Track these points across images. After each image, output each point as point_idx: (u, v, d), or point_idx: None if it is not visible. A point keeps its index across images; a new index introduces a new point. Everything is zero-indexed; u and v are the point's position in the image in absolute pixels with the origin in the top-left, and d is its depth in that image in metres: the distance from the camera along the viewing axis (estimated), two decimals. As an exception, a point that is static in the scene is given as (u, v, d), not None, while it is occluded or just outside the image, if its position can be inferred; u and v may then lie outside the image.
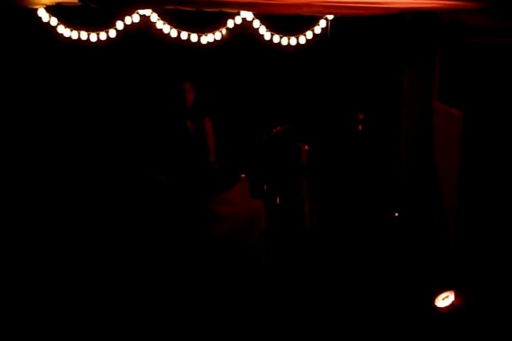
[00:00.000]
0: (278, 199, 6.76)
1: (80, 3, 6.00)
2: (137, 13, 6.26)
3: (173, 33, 6.38)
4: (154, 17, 6.31)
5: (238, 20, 6.41)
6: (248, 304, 5.48)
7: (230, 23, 6.43)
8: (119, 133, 6.67)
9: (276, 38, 6.56)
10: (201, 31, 6.41)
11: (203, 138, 6.21)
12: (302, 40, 6.59)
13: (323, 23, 6.61)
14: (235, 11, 6.32)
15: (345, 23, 6.66)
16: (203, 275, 5.81)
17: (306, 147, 6.73)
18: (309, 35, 6.59)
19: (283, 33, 6.54)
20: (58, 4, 6.13)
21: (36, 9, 6.19)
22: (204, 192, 6.07)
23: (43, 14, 6.21)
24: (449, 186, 6.11)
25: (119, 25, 6.27)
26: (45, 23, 6.23)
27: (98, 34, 6.29)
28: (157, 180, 5.99)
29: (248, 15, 6.41)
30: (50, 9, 6.20)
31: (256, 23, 6.47)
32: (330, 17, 6.56)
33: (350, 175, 7.07)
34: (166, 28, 6.36)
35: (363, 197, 7.01)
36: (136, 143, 6.15)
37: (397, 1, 5.76)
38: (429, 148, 6.63)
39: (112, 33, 6.31)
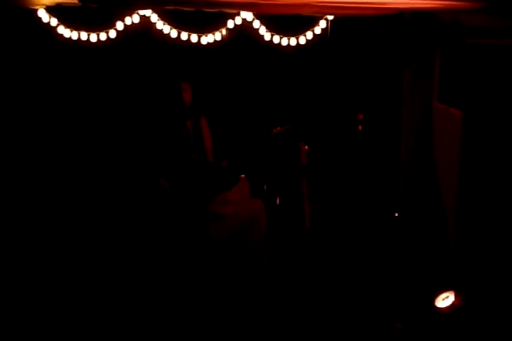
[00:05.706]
0: (278, 199, 6.76)
1: (79, 4, 6.01)
2: (137, 13, 6.26)
3: (173, 34, 6.39)
4: (154, 17, 6.32)
5: (238, 20, 6.42)
6: (248, 304, 5.48)
7: (230, 24, 6.44)
8: (118, 133, 6.67)
9: (276, 39, 6.56)
10: (201, 31, 6.42)
11: (200, 137, 6.21)
12: (302, 40, 6.60)
13: (323, 24, 6.61)
14: (235, 11, 6.33)
15: (345, 23, 6.67)
16: (203, 275, 5.81)
17: (306, 147, 6.73)
18: (309, 35, 6.60)
19: (283, 33, 6.55)
20: (58, 5, 6.14)
21: (36, 10, 6.20)
22: (205, 191, 6.07)
23: (43, 15, 6.22)
24: (449, 186, 6.12)
25: (119, 25, 6.28)
26: (46, 23, 6.24)
27: (98, 34, 6.29)
28: (156, 182, 6.00)
29: (248, 15, 6.42)
30: (50, 10, 6.21)
31: (256, 24, 6.48)
32: (330, 17, 6.57)
33: (351, 175, 7.07)
34: (166, 29, 6.36)
35: (363, 197, 7.02)
36: (135, 143, 6.14)
37: (397, 1, 5.76)
38: (429, 148, 6.63)
39: (112, 34, 6.31)
